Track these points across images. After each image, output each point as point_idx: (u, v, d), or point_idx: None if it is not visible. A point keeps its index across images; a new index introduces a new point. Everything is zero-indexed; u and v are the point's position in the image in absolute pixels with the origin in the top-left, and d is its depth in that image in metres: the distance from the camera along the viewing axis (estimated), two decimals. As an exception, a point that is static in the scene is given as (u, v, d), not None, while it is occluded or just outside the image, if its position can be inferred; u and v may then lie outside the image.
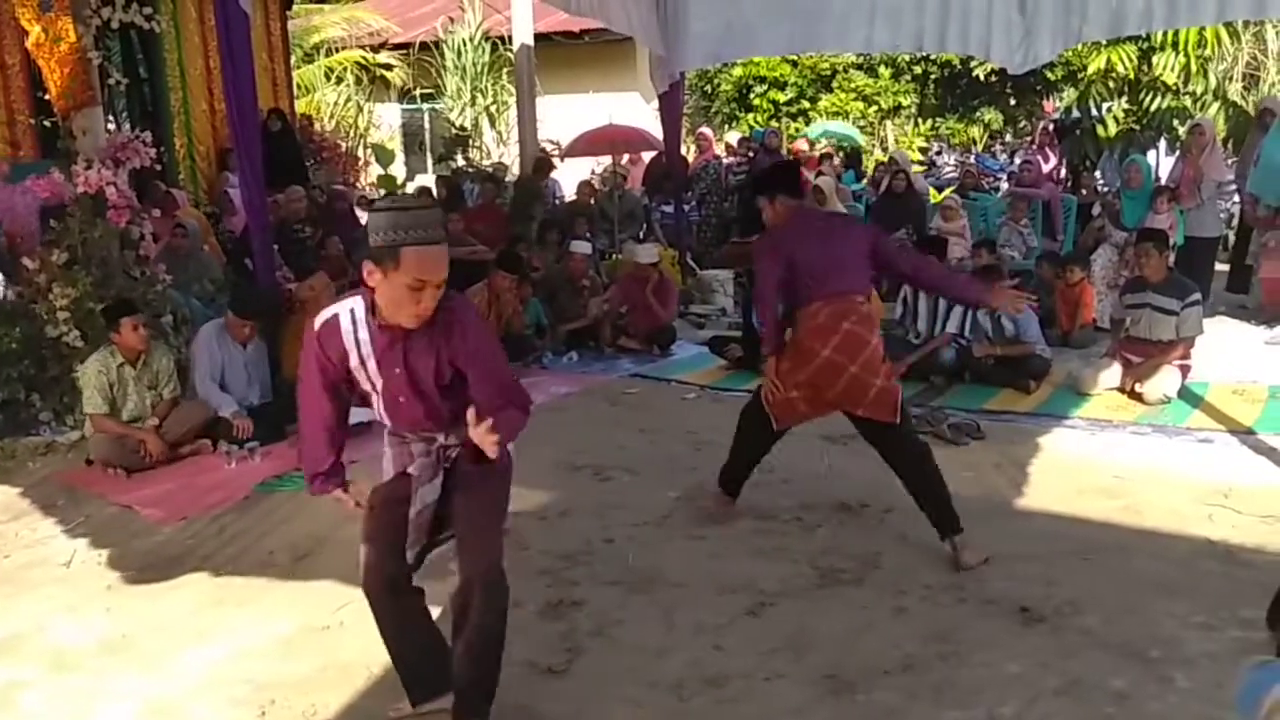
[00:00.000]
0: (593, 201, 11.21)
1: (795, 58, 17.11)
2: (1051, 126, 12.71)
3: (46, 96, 6.33)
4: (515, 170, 11.16)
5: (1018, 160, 13.42)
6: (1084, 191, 10.74)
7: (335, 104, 16.21)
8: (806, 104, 18.13)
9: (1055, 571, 3.91)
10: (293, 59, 13.53)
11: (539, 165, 11.46)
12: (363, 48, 17.37)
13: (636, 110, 15.09)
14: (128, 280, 6.25)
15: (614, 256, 10.47)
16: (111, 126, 8.34)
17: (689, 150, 12.99)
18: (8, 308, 6.19)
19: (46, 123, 6.59)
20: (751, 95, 18.11)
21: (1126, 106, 11.08)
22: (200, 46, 10.76)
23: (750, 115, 18.04)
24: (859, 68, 18.22)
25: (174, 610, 3.89)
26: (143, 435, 5.45)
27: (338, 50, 17.13)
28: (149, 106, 10.37)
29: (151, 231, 6.55)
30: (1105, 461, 5.24)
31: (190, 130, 10.66)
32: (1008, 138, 18.71)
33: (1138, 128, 10.95)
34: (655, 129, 11.57)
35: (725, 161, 12.34)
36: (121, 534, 4.64)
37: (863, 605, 3.71)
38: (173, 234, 7.63)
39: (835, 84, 18.19)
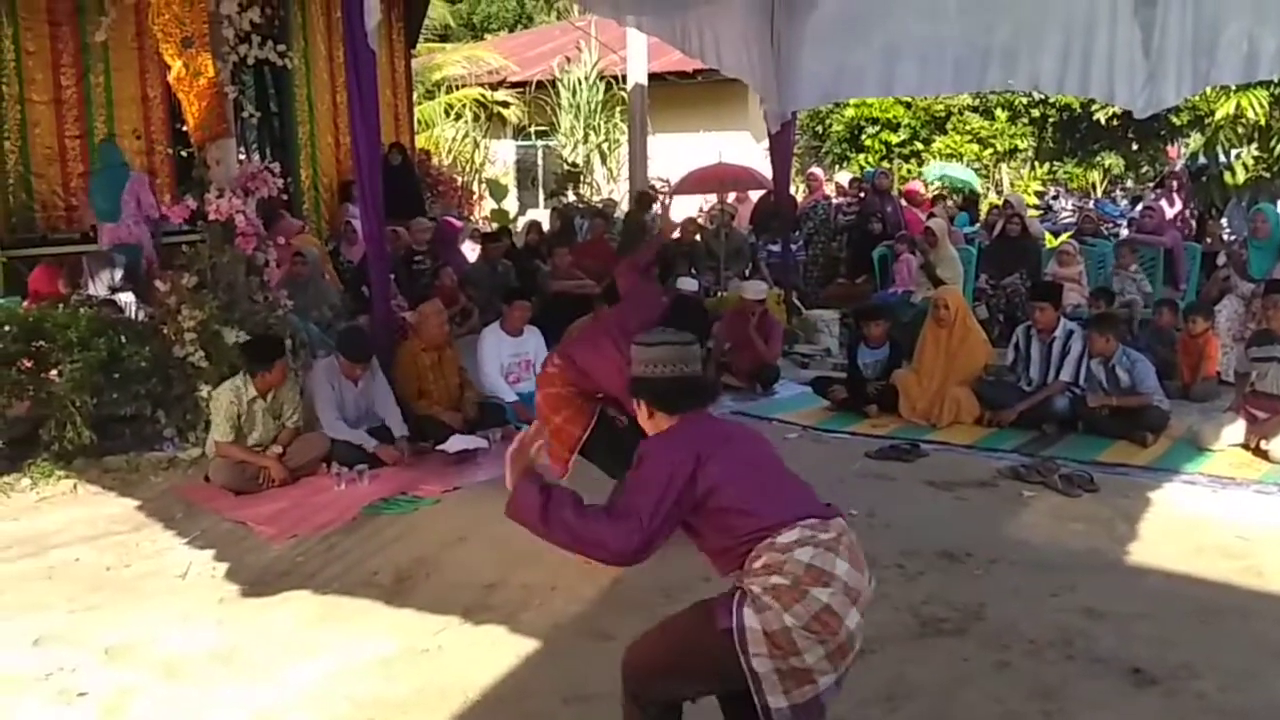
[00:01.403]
0: (697, 238, 11.26)
1: (909, 99, 16.96)
2: (1177, 172, 12.33)
3: (184, 128, 6.64)
4: (624, 206, 11.30)
5: (1139, 206, 13.04)
6: (1209, 240, 10.38)
7: (453, 139, 16.66)
8: (920, 145, 17.92)
9: (1170, 632, 3.76)
10: (414, 95, 13.99)
11: (641, 199, 11.57)
12: (482, 85, 17.85)
13: (746, 149, 15.15)
14: (251, 305, 6.50)
15: (719, 294, 10.48)
16: (242, 157, 8.72)
17: (798, 190, 12.97)
18: (139, 327, 6.50)
19: (184, 153, 6.91)
20: (863, 136, 17.99)
21: (1256, 153, 10.69)
22: (328, 82, 11.21)
23: (861, 156, 17.93)
24: (974, 109, 17.96)
25: (281, 625, 4.01)
26: (266, 462, 5.62)
27: (458, 88, 17.64)
28: (277, 138, 10.82)
29: (275, 258, 6.80)
30: (1227, 520, 5.02)
31: (316, 162, 11.09)
32: (1129, 183, 18.20)
33: (1267, 175, 10.55)
34: (764, 168, 11.60)
35: (835, 201, 12.29)
36: (235, 549, 4.81)
37: (964, 657, 3.62)
38: (293, 262, 7.92)
39: (950, 125, 17.96)
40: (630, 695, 2.66)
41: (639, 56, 11.20)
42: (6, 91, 8.61)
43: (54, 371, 5.87)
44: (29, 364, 5.87)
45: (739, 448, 2.66)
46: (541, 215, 14.60)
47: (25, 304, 6.68)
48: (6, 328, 5.80)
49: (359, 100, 6.11)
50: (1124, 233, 11.82)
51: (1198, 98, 13.14)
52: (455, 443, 5.98)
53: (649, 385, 2.73)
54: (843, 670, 2.46)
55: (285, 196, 7.81)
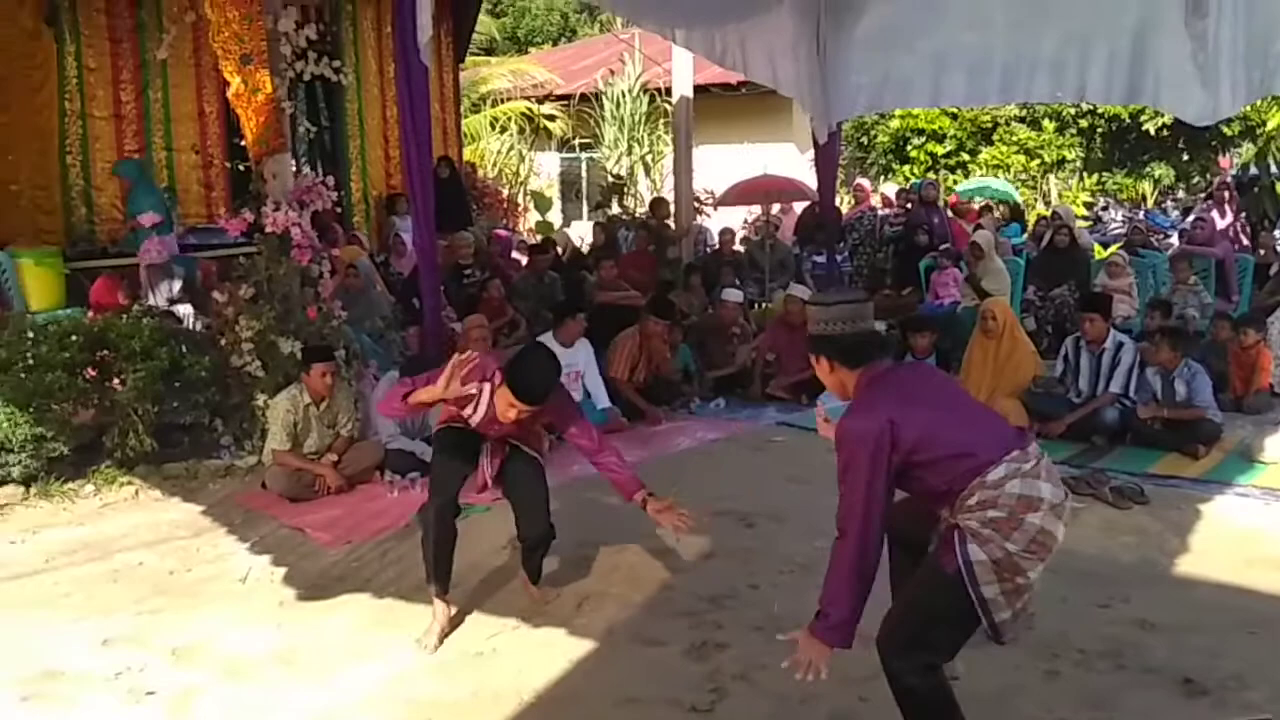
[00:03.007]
0: (741, 249, 11.28)
1: (955, 109, 16.89)
2: (1228, 182, 12.19)
3: (241, 142, 6.80)
4: (670, 220, 11.39)
5: (1190, 217, 12.90)
6: (1262, 251, 10.26)
7: (499, 152, 16.85)
8: (966, 156, 17.84)
9: (1221, 643, 3.75)
10: (461, 108, 14.17)
11: (655, 205, 11.64)
12: (527, 99, 18.02)
13: (790, 160, 15.16)
14: (306, 315, 6.63)
15: (764, 305, 10.51)
16: (297, 170, 8.89)
17: (844, 201, 12.98)
18: (198, 337, 6.66)
19: (241, 166, 7.07)
20: (909, 147, 17.95)
21: (1310, 163, 10.57)
22: (378, 97, 11.39)
23: (906, 167, 17.88)
24: (1021, 120, 17.85)
25: (339, 628, 4.10)
26: (322, 470, 5.74)
27: (503, 101, 17.83)
28: (328, 152, 11.01)
29: (330, 270, 6.94)
30: (1278, 533, 4.98)
31: (366, 176, 11.27)
32: (1180, 194, 17.97)
33: (1321, 186, 10.43)
34: (809, 179, 11.62)
35: (881, 213, 12.29)
36: (292, 554, 4.92)
37: (1015, 665, 3.63)
38: (346, 274, 8.07)
39: (996, 136, 17.86)
40: (900, 685, 2.82)
41: (684, 69, 11.26)
42: (69, 107, 8.84)
43: (117, 380, 6.03)
44: (94, 373, 6.04)
45: (927, 397, 2.88)
46: (585, 227, 14.71)
47: (89, 315, 6.86)
48: (73, 337, 5.97)
49: (410, 114, 6.21)
50: (1174, 243, 11.71)
51: (1250, 108, 13.01)
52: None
53: (829, 342, 2.96)
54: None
55: (339, 209, 7.95)
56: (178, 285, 7.84)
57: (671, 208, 11.42)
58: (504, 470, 4.10)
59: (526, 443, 4.14)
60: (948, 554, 2.73)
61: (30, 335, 5.95)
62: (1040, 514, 2.67)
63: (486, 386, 3.86)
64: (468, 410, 3.90)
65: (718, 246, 11.96)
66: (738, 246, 11.92)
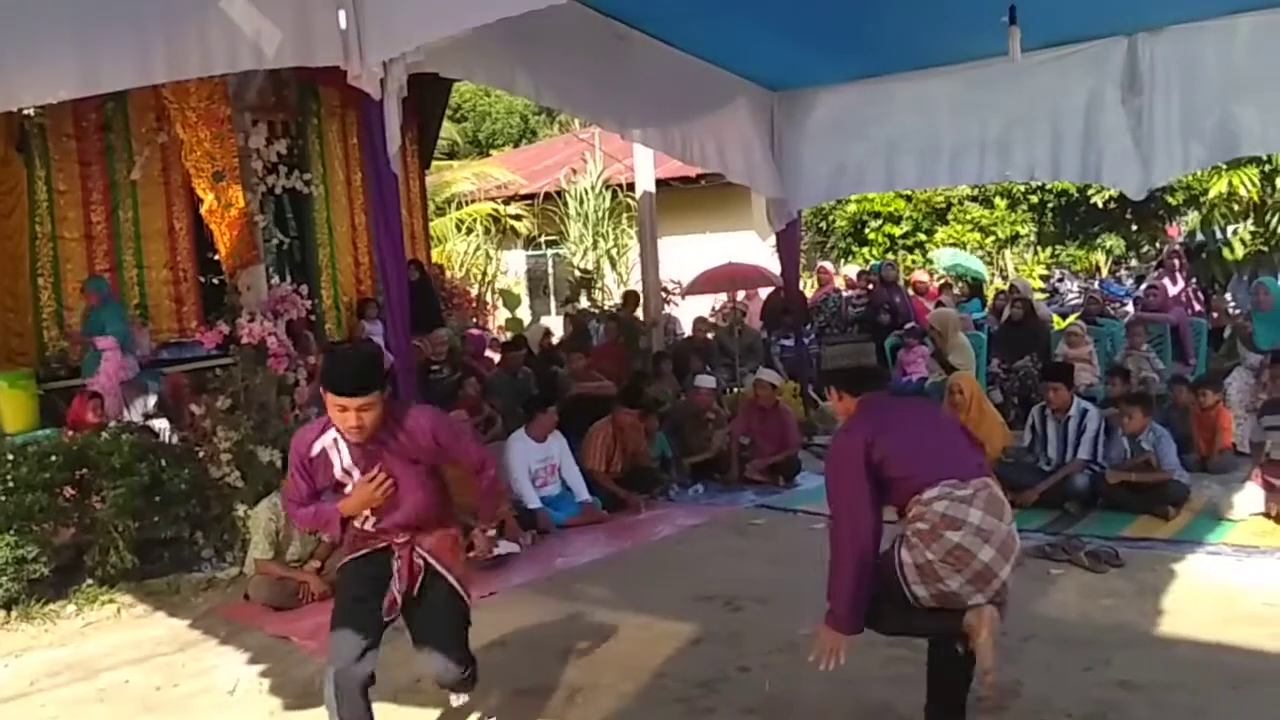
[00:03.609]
0: (710, 336, 11.47)
1: (909, 192, 17.36)
2: (1178, 250, 12.58)
3: (215, 256, 6.92)
4: (639, 311, 11.60)
5: (1144, 285, 13.27)
6: (1215, 315, 10.56)
7: (465, 253, 17.09)
8: (922, 236, 18.28)
9: (1203, 701, 3.82)
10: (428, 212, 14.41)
11: (626, 299, 11.89)
12: (492, 199, 18.35)
13: (753, 248, 15.48)
14: (283, 424, 6.69)
15: (735, 390, 10.66)
16: (274, 281, 9.01)
17: (807, 284, 13.25)
18: (176, 451, 6.68)
19: (215, 280, 7.18)
20: (866, 230, 18.37)
21: (1253, 229, 10.94)
22: (346, 206, 11.58)
23: (865, 249, 18.27)
24: (974, 199, 18.35)
25: (331, 735, 4.07)
26: (305, 577, 5.72)
27: (468, 203, 18.15)
28: (297, 261, 11.15)
29: (307, 376, 7.02)
30: (1254, 588, 5.09)
31: (336, 283, 11.40)
32: (1132, 263, 18.45)
33: (1265, 249, 10.78)
34: (771, 265, 11.88)
35: (845, 294, 12.54)
36: (280, 663, 4.89)
37: (1004, 733, 3.68)
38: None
39: (951, 216, 18.33)
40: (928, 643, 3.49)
41: (646, 165, 11.57)
42: (40, 230, 8.93)
43: (97, 498, 6.03)
44: (73, 492, 6.03)
45: (904, 424, 3.46)
46: (554, 322, 14.89)
47: (67, 434, 6.87)
48: (53, 457, 5.98)
49: (383, 221, 6.35)
50: (1130, 311, 12.02)
51: (1192, 178, 13.50)
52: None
53: (836, 375, 3.66)
54: (991, 592, 3.22)
55: (311, 317, 8.05)
56: (152, 400, 7.89)
57: (641, 299, 11.65)
58: (413, 597, 3.53)
59: (437, 554, 3.56)
60: (892, 555, 3.30)
61: (10, 457, 5.95)
62: (960, 533, 3.18)
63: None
64: (349, 497, 3.42)
65: (688, 335, 12.15)
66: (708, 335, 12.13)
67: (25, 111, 8.14)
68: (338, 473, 3.43)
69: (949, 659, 3.38)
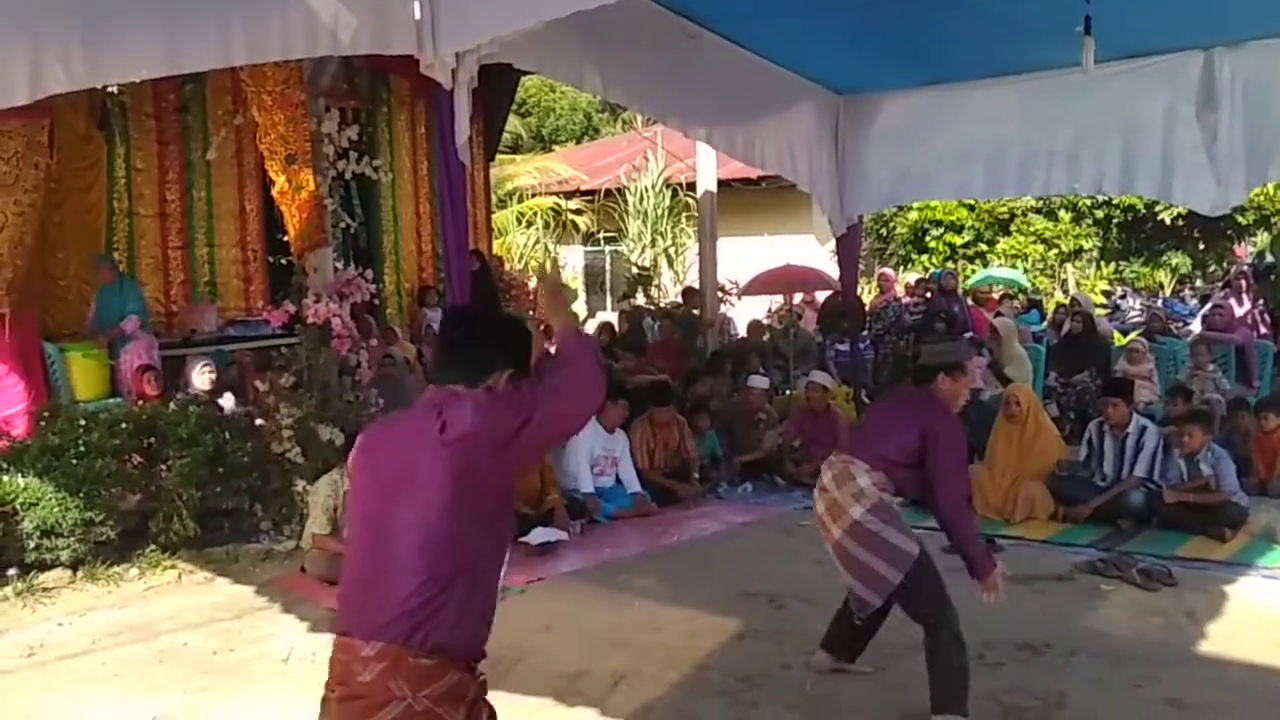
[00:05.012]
0: (765, 338, 11.48)
1: (973, 201, 17.21)
2: (1245, 270, 12.34)
3: (284, 238, 7.08)
4: (698, 310, 11.66)
5: (1208, 305, 13.03)
6: (1281, 337, 10.36)
7: (525, 246, 17.23)
8: (984, 246, 18.11)
9: (1252, 723, 3.79)
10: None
11: (687, 294, 11.92)
12: (552, 194, 18.49)
13: (812, 251, 15.42)
14: (344, 404, 6.83)
15: (788, 392, 10.66)
16: (337, 265, 9.18)
17: (867, 290, 13.19)
18: (240, 425, 6.85)
19: (283, 261, 7.34)
20: (927, 238, 18.24)
21: (1325, 251, 10.71)
22: (412, 194, 11.74)
23: (925, 257, 18.14)
24: (1038, 211, 18.13)
25: (381, 707, 4.17)
26: None
27: (528, 196, 18.30)
28: (362, 247, 11.33)
29: (367, 360, 7.16)
30: (1308, 614, 5.02)
31: (399, 269, 11.57)
32: (1197, 282, 18.12)
33: (1338, 272, 10.55)
34: (830, 270, 11.84)
35: (903, 301, 12.48)
36: (332, 634, 5.00)
37: (1048, 744, 3.68)
38: (382, 363, 8.29)
39: (1014, 227, 18.14)
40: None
41: (708, 165, 11.61)
42: (117, 206, 9.17)
43: (163, 466, 6.21)
44: (141, 459, 6.22)
45: None
46: (610, 318, 14.98)
47: (136, 403, 7.06)
48: (123, 425, 6.18)
49: (450, 210, 6.43)
50: (1194, 330, 11.82)
51: (1263, 197, 13.22)
52: (538, 534, 6.19)
53: (954, 366, 4.25)
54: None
55: (374, 302, 8.20)
56: (209, 376, 8.04)
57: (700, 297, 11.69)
58: None
59: None
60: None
61: (82, 423, 6.15)
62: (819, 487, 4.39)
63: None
64: None
65: (743, 335, 12.16)
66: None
67: (108, 89, 8.35)
68: None
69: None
